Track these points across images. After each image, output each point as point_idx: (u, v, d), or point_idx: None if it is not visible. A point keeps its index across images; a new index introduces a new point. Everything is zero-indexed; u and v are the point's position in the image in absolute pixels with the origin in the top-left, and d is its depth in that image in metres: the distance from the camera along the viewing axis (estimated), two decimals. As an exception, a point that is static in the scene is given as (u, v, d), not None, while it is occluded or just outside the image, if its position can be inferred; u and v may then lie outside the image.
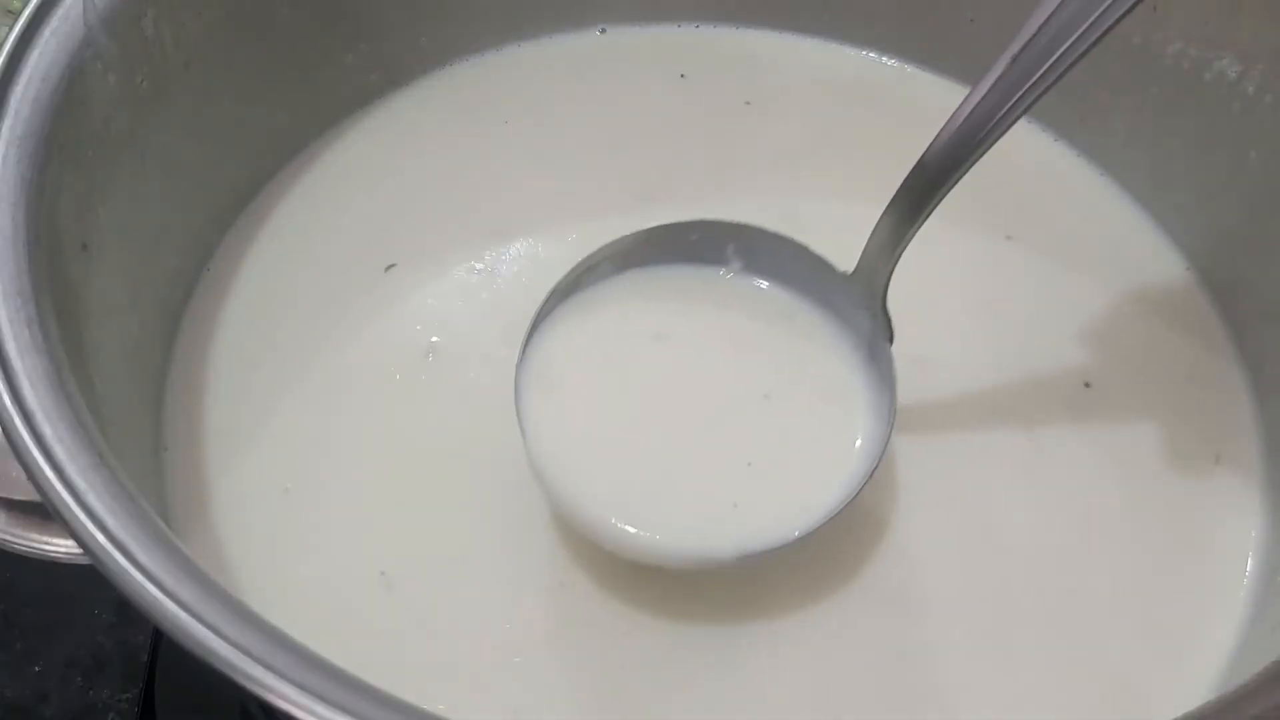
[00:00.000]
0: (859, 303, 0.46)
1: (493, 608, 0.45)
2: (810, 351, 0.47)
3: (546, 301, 0.46)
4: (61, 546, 0.50)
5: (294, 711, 0.31)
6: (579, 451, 0.45)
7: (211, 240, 0.54)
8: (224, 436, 0.49)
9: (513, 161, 0.57)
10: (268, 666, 0.32)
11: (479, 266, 0.54)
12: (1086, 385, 0.52)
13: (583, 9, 0.61)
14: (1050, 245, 0.56)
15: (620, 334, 0.47)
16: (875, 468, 0.44)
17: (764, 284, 0.48)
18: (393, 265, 0.54)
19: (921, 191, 0.43)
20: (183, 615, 0.33)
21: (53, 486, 0.35)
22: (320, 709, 0.31)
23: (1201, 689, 0.45)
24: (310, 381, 0.51)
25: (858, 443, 0.45)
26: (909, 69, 0.61)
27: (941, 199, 0.43)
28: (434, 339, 0.52)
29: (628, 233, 0.47)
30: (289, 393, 0.50)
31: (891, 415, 0.45)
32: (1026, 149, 0.59)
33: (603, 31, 0.62)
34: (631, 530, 0.43)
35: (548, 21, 0.61)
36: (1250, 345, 0.53)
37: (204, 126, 0.51)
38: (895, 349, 0.46)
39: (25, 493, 0.48)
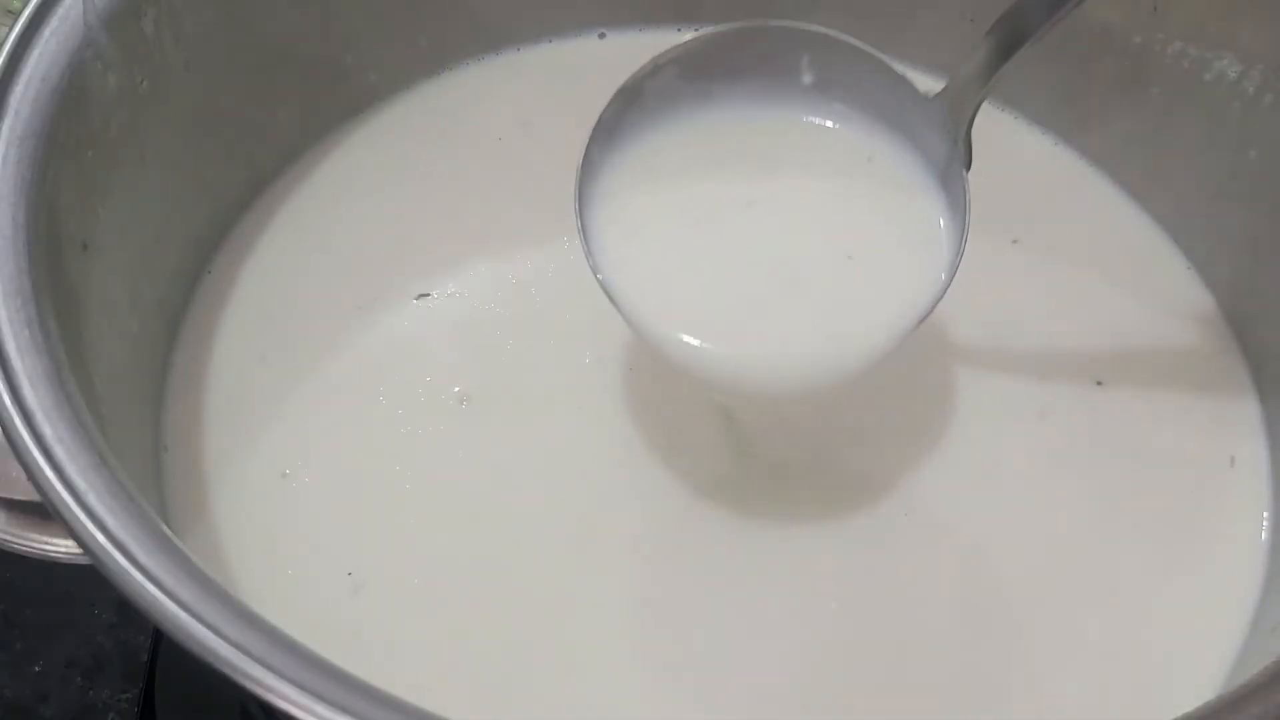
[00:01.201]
0: (938, 126, 0.45)
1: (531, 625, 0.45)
2: (890, 193, 0.46)
3: (611, 104, 0.45)
4: (61, 546, 0.50)
5: (294, 711, 0.31)
6: (657, 283, 0.44)
7: (212, 241, 0.54)
8: (224, 437, 0.49)
9: (512, 167, 0.57)
10: (268, 666, 0.32)
11: (482, 266, 0.54)
12: (1099, 384, 0.52)
13: (582, 13, 0.61)
14: (1051, 246, 0.56)
15: (698, 186, 0.46)
16: (942, 295, 0.44)
17: (840, 111, 0.46)
18: (422, 292, 0.54)
19: (1032, 16, 0.41)
20: (183, 615, 0.33)
21: (53, 486, 0.35)
22: (320, 709, 0.31)
23: (1203, 689, 0.45)
24: (311, 384, 0.51)
25: (931, 273, 0.44)
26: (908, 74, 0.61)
27: (1052, 28, 0.41)
28: (436, 345, 0.52)
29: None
30: (289, 394, 0.50)
31: (963, 243, 0.44)
32: (1027, 151, 0.59)
33: (602, 36, 0.62)
34: (710, 347, 0.43)
35: (547, 26, 0.61)
36: (1253, 344, 0.53)
37: (204, 127, 0.51)
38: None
39: (25, 493, 0.48)
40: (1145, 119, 0.56)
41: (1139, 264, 0.56)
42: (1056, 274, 0.55)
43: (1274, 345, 0.52)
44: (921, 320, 0.44)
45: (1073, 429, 0.51)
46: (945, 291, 0.44)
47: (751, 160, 0.47)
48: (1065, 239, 0.56)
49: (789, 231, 0.46)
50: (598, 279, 0.44)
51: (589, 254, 0.44)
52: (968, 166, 0.45)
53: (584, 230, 0.44)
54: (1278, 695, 0.34)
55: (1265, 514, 0.50)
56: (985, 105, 0.58)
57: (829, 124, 0.47)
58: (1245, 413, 0.52)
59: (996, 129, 0.58)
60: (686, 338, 0.43)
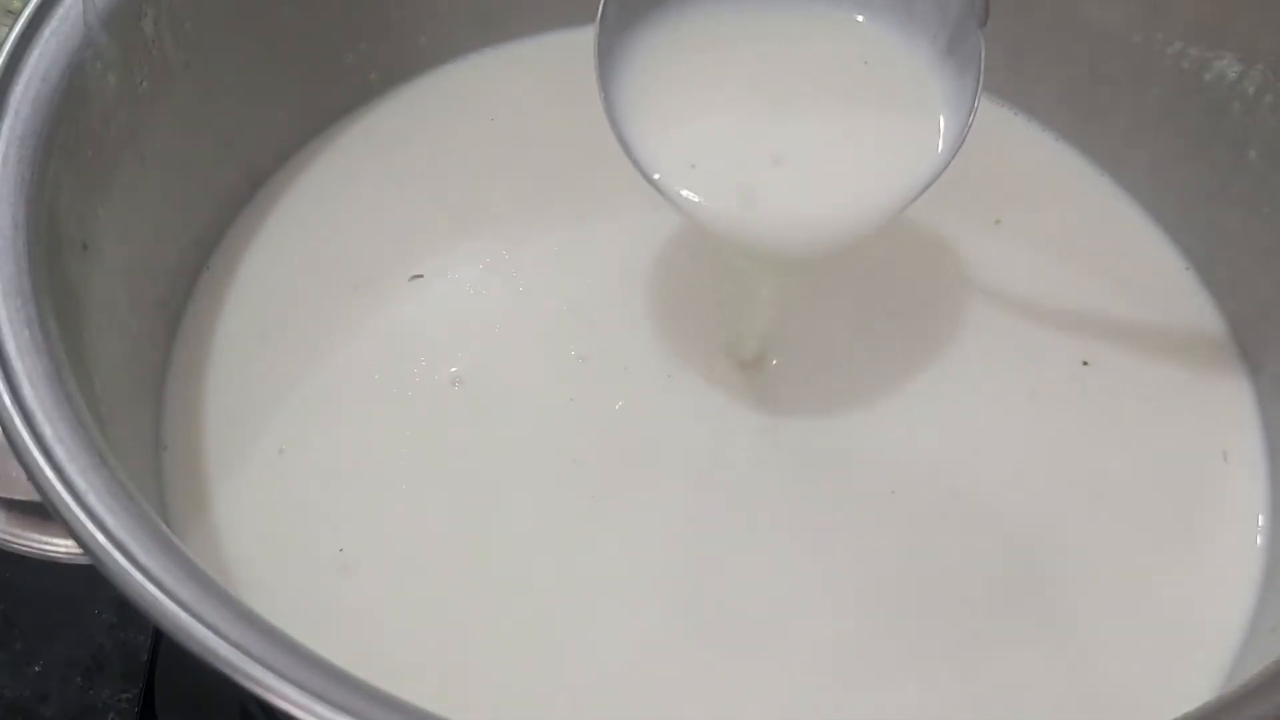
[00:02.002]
0: None
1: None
2: (889, 85, 0.47)
3: None
4: (61, 546, 0.50)
5: (294, 711, 0.31)
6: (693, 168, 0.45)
7: (211, 240, 0.54)
8: (223, 435, 0.49)
9: (513, 160, 0.57)
10: (267, 666, 0.32)
11: (483, 267, 0.54)
12: (1085, 364, 0.52)
13: (580, 6, 0.61)
14: (1051, 244, 0.56)
15: (717, 87, 0.47)
16: (953, 156, 0.44)
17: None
18: (415, 274, 0.54)
19: None
20: (182, 615, 0.33)
21: (53, 486, 0.35)
22: (320, 709, 0.31)
23: (1202, 689, 0.45)
24: (310, 382, 0.51)
25: (939, 142, 0.45)
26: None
27: None
28: (430, 328, 0.52)
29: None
30: (289, 392, 0.50)
31: (975, 100, 0.44)
32: (1028, 148, 0.59)
33: (602, 29, 0.62)
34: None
35: (546, 19, 0.61)
36: (1250, 343, 0.53)
37: (204, 126, 0.51)
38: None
39: (25, 493, 0.48)
40: (1145, 118, 0.56)
41: (1138, 262, 0.56)
42: (1054, 270, 0.55)
43: (1272, 347, 0.52)
44: (921, 192, 0.44)
45: (1062, 410, 0.51)
46: (945, 166, 0.44)
47: (761, 51, 0.47)
48: (1064, 235, 0.56)
49: (800, 120, 0.46)
50: (653, 179, 0.45)
51: (636, 157, 0.45)
52: (983, 23, 0.45)
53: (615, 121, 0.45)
54: (1277, 695, 0.34)
55: (1261, 514, 0.50)
56: (987, 102, 0.59)
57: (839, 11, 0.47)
58: (1241, 411, 0.52)
59: (998, 125, 0.59)
60: (690, 194, 0.44)
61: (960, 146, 0.44)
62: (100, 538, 0.34)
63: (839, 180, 0.45)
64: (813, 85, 0.47)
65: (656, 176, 0.45)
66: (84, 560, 0.34)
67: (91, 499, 0.35)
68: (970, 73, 0.45)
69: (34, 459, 0.35)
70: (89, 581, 0.50)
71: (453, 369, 0.51)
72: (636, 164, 0.45)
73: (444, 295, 0.53)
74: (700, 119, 0.46)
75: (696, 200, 0.44)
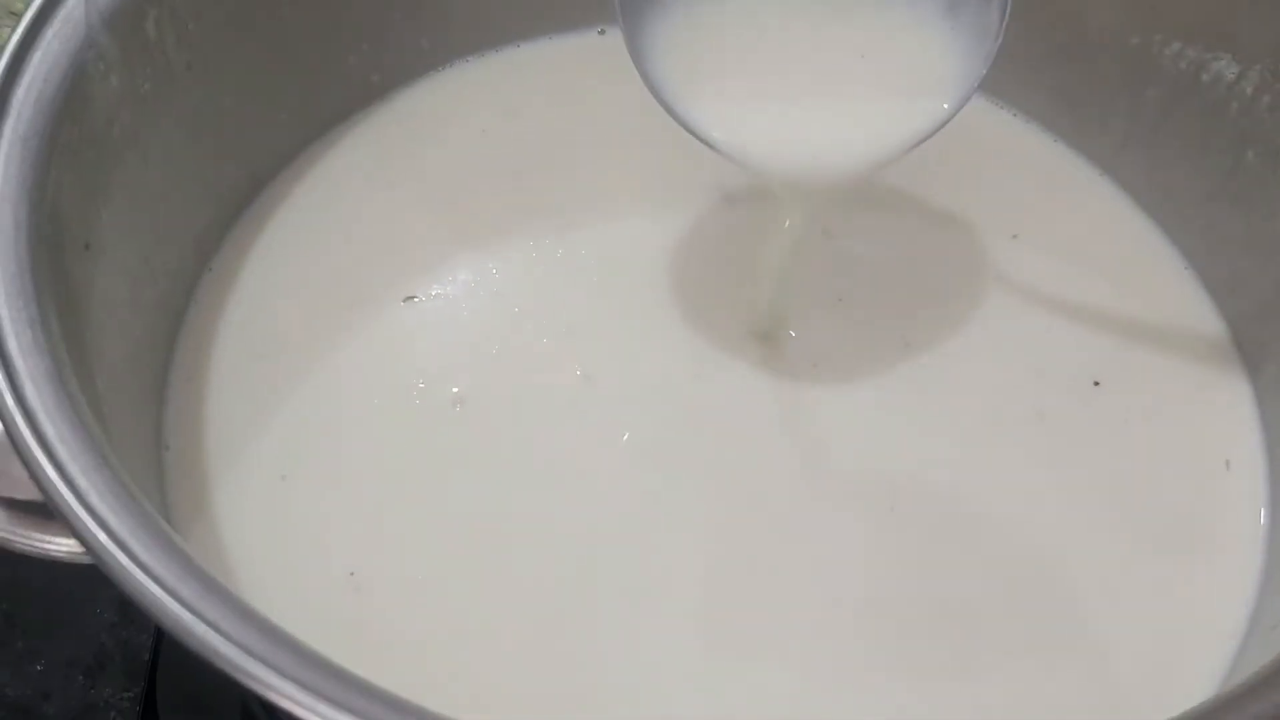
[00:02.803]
0: None
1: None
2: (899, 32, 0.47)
3: None
4: (63, 546, 0.50)
5: (295, 710, 0.31)
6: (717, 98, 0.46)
7: (213, 240, 0.54)
8: (225, 436, 0.49)
9: (513, 162, 0.57)
10: (269, 665, 0.32)
11: (483, 278, 0.54)
12: (1096, 384, 0.52)
13: (582, 10, 0.61)
14: (1050, 245, 0.56)
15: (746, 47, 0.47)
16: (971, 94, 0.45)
17: None
18: (417, 287, 0.54)
19: None
20: (184, 614, 0.33)
21: (55, 486, 0.35)
22: (322, 707, 0.31)
23: (1202, 687, 0.45)
24: (311, 381, 0.51)
25: (946, 102, 0.45)
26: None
27: None
28: (427, 348, 0.52)
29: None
30: (290, 392, 0.51)
31: (998, 34, 0.44)
32: (1026, 149, 0.59)
33: (601, 33, 0.62)
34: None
35: (547, 23, 0.61)
36: (1249, 344, 0.53)
37: (206, 127, 0.52)
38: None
39: (27, 492, 0.48)
40: (1143, 119, 0.56)
41: (1137, 264, 0.56)
42: (1055, 272, 0.55)
43: (1271, 347, 0.52)
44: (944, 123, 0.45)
45: (1070, 429, 0.51)
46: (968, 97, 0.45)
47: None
48: (1064, 237, 0.56)
49: (821, 57, 0.47)
50: (712, 137, 0.45)
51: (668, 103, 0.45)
52: None
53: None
54: (1276, 694, 0.34)
55: (1263, 515, 0.50)
56: (986, 104, 0.59)
57: None
58: (1241, 415, 0.52)
59: (996, 127, 0.59)
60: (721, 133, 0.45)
61: (980, 81, 0.44)
62: (102, 537, 0.34)
63: (865, 102, 0.45)
64: (832, 23, 0.47)
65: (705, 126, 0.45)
66: (86, 559, 0.35)
67: (93, 498, 0.35)
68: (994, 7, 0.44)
69: (36, 458, 0.35)
70: (91, 581, 0.49)
71: (455, 389, 0.51)
72: (669, 110, 0.45)
73: (444, 308, 0.53)
74: (729, 67, 0.46)
75: (728, 138, 0.45)
